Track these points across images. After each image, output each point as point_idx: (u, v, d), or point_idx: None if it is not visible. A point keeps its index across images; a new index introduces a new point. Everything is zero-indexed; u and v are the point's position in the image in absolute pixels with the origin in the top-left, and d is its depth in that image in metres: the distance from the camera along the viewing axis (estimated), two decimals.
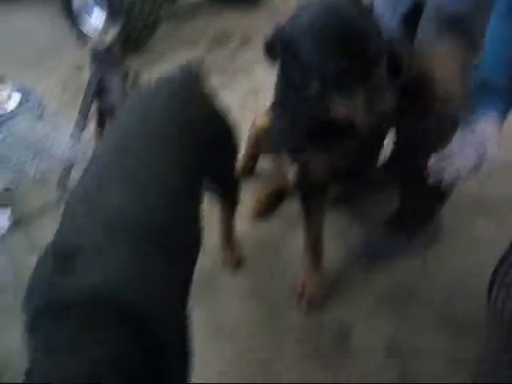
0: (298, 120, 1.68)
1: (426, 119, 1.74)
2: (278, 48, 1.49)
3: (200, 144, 1.48)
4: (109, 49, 2.21)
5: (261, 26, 4.04)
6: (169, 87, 1.61)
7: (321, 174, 1.81)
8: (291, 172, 1.99)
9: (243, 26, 4.05)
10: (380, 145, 2.14)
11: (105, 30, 2.31)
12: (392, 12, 1.94)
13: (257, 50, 3.61)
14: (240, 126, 2.83)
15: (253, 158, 2.48)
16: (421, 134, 1.77)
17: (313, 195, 1.92)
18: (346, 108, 1.46)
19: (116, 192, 1.18)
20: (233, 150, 1.79)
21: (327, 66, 1.39)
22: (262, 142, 2.34)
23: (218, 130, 1.67)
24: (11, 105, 2.36)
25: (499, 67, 1.38)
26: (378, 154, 2.14)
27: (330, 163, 1.76)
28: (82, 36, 3.67)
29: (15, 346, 1.26)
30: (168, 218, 1.21)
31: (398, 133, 1.98)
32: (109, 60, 2.25)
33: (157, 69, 3.46)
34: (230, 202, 1.92)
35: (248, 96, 3.20)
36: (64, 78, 3.40)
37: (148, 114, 1.45)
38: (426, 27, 1.77)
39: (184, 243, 1.25)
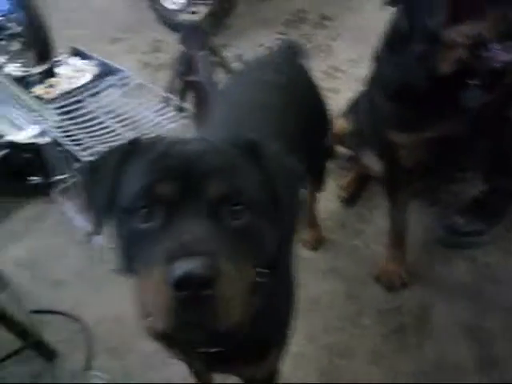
0: (403, 84, 1.64)
1: None
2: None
3: (302, 117, 1.51)
4: (198, 27, 2.27)
5: (337, 4, 4.04)
6: (275, 61, 1.69)
7: (413, 161, 1.79)
8: (374, 162, 2.00)
9: (319, 5, 4.03)
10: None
11: (194, 6, 2.36)
12: None
13: (333, 29, 3.66)
14: None
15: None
16: None
17: (400, 186, 1.92)
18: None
19: None
20: (327, 128, 1.81)
21: None
22: (341, 139, 2.38)
23: (317, 105, 1.70)
24: (97, 80, 2.45)
25: None
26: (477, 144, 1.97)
27: (426, 147, 1.73)
28: (161, 13, 3.74)
29: None
30: None
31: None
32: (198, 38, 2.30)
33: (236, 46, 3.52)
34: (316, 184, 1.95)
35: (324, 76, 3.20)
36: (144, 54, 3.49)
37: (257, 85, 1.52)
38: None
39: None
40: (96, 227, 0.94)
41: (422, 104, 1.64)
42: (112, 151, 0.96)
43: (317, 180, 1.93)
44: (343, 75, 3.15)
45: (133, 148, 0.92)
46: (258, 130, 1.34)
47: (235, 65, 3.29)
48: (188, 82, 2.45)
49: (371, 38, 1.74)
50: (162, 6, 3.72)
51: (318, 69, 3.26)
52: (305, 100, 1.58)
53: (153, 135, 1.00)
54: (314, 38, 3.62)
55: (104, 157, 0.98)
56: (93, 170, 0.97)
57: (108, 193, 0.90)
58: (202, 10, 2.33)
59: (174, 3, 3.66)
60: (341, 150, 2.53)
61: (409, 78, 1.63)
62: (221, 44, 3.52)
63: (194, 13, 2.30)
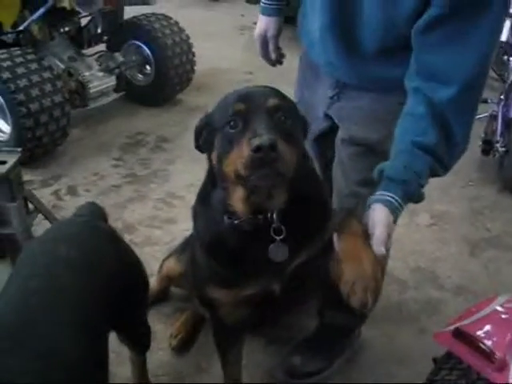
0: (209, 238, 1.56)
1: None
2: (201, 132, 1.47)
3: (107, 290, 1.40)
4: (6, 178, 2.09)
5: (175, 125, 4.06)
6: (72, 231, 1.53)
7: (235, 319, 1.68)
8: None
9: (157, 128, 4.02)
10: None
11: (3, 156, 2.19)
12: None
13: (171, 152, 3.63)
14: (150, 242, 2.76)
15: (165, 287, 2.39)
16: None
17: (228, 339, 1.81)
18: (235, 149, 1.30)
19: None
20: (141, 292, 1.69)
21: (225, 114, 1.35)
22: (173, 280, 2.28)
23: (126, 273, 1.57)
24: None
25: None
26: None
27: (246, 303, 1.63)
28: None
29: None
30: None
31: None
32: (6, 189, 2.12)
33: (70, 176, 3.36)
34: (140, 347, 1.80)
35: (161, 205, 3.11)
36: None
37: (51, 262, 1.38)
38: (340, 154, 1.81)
39: None
40: None
41: (235, 260, 1.55)
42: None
43: (139, 344, 1.78)
44: (181, 202, 3.08)
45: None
46: (48, 322, 1.20)
47: (68, 199, 3.13)
48: (2, 236, 2.24)
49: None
50: None
51: (154, 197, 3.19)
52: (108, 271, 1.45)
53: None
54: (152, 163, 3.56)
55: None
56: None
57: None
58: (10, 159, 2.14)
59: (0, 132, 3.46)
60: (175, 290, 2.41)
61: (217, 233, 1.53)
62: (52, 174, 3.37)
63: (0, 163, 2.12)
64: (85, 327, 1.28)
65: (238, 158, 1.26)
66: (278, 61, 2.00)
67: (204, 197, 1.59)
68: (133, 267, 1.64)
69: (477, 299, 2.45)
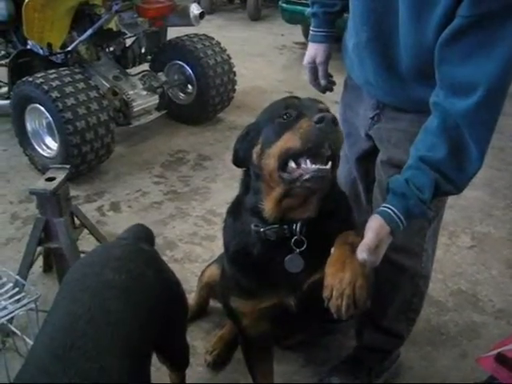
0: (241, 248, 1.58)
1: None
2: (242, 140, 1.55)
3: (150, 313, 1.45)
4: (55, 193, 2.17)
5: (215, 144, 4.12)
6: (116, 255, 1.56)
7: (257, 331, 1.71)
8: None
9: (198, 146, 4.10)
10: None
11: (52, 172, 2.27)
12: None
13: (211, 170, 3.69)
14: (191, 259, 2.81)
15: (205, 299, 2.42)
16: None
17: (254, 349, 1.82)
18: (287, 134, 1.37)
19: None
20: (181, 314, 1.73)
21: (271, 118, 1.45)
22: (213, 289, 2.29)
23: (166, 295, 1.61)
24: None
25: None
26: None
27: (266, 315, 1.65)
28: (34, 163, 3.64)
29: None
30: None
31: None
32: (54, 204, 2.19)
33: (113, 193, 3.44)
34: (179, 366, 1.83)
35: (202, 222, 3.16)
36: (13, 205, 3.30)
37: (97, 286, 1.41)
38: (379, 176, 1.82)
39: None
40: None
41: (256, 270, 1.58)
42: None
43: (178, 363, 1.81)
44: (220, 220, 3.08)
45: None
46: (95, 345, 1.24)
47: (111, 215, 3.21)
48: (49, 250, 2.31)
49: None
50: (35, 151, 3.61)
51: (194, 214, 3.24)
52: (150, 294, 1.49)
53: None
54: (192, 180, 3.62)
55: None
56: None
57: None
58: (59, 176, 2.22)
59: (48, 149, 3.58)
60: (214, 305, 2.44)
61: (241, 242, 1.57)
62: (97, 189, 3.46)
63: (49, 179, 2.20)
64: (129, 350, 1.32)
65: (297, 133, 1.33)
66: (328, 88, 1.99)
67: (234, 209, 1.65)
68: (173, 289, 1.67)
69: None
